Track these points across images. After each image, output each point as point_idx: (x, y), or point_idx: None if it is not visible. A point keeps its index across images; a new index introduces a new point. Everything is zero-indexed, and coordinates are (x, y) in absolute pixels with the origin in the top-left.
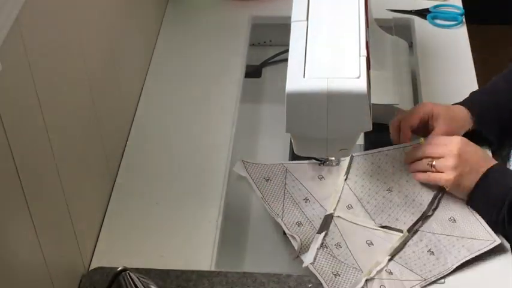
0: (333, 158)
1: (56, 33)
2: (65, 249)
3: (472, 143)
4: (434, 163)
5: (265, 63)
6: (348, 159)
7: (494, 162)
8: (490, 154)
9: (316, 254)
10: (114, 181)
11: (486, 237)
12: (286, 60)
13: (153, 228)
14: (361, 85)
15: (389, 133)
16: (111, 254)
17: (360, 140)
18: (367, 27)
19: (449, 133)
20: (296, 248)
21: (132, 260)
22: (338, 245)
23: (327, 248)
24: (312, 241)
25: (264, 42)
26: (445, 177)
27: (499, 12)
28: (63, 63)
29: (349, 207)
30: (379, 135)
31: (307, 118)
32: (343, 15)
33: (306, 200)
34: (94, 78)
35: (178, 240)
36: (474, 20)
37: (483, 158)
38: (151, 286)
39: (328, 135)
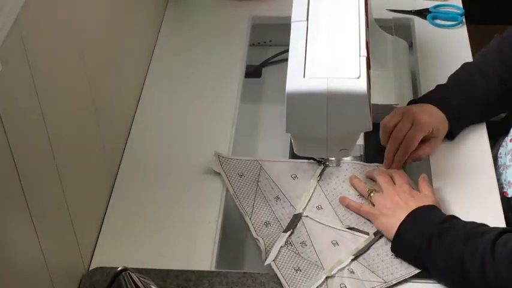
0: (333, 158)
1: (56, 33)
2: (65, 249)
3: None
4: (372, 194)
5: (265, 63)
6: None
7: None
8: None
9: (279, 251)
10: (114, 181)
11: None
12: (286, 60)
13: (153, 228)
14: (361, 85)
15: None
16: (111, 254)
17: (360, 140)
18: (367, 27)
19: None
20: (262, 250)
21: (132, 260)
22: (303, 244)
23: (291, 245)
24: (277, 240)
25: (264, 42)
26: (368, 209)
27: (499, 12)
28: (63, 63)
29: (319, 207)
30: (379, 135)
31: (307, 118)
32: (343, 15)
33: (277, 198)
34: (94, 78)
35: (178, 240)
36: (474, 20)
37: (406, 206)
38: (152, 286)
39: (328, 135)
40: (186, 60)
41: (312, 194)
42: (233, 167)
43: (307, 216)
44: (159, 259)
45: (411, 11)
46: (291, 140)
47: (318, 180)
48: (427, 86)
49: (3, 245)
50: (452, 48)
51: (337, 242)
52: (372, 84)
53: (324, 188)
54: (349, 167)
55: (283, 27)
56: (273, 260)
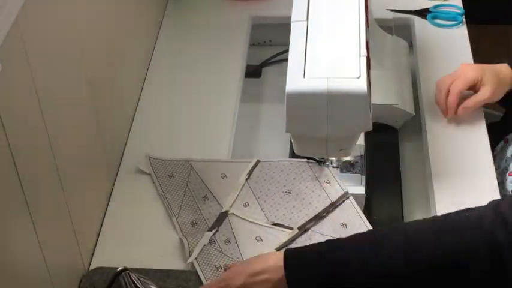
0: (333, 159)
1: (56, 33)
2: (65, 249)
3: None
4: None
5: (265, 63)
6: (253, 162)
7: None
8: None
9: (202, 249)
10: (114, 181)
11: None
12: (286, 60)
13: (153, 228)
14: (361, 85)
15: (389, 133)
16: (111, 254)
17: (360, 140)
18: (367, 27)
19: (493, 97)
20: (185, 250)
21: (132, 260)
22: (227, 241)
23: (215, 243)
24: (201, 239)
25: (264, 42)
26: None
27: (499, 12)
28: (63, 63)
29: (246, 205)
30: (379, 135)
31: (307, 118)
32: (343, 15)
33: (205, 198)
34: (94, 78)
35: (179, 240)
36: (474, 20)
37: None
38: (151, 286)
39: (328, 135)
40: (185, 60)
41: (239, 192)
42: (163, 168)
43: (233, 213)
44: (159, 259)
45: (411, 10)
46: (291, 140)
47: (247, 179)
48: (427, 86)
49: (3, 245)
50: (452, 48)
51: (261, 238)
52: (372, 84)
53: (252, 185)
54: (278, 165)
55: (283, 27)
56: (195, 258)
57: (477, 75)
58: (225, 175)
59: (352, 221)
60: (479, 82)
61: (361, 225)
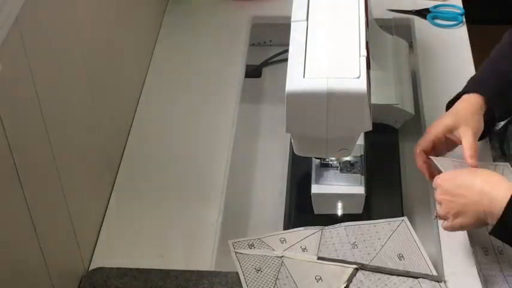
0: (333, 158)
1: (55, 33)
2: (65, 249)
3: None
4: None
5: (265, 63)
6: (351, 267)
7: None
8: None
9: None
10: (114, 181)
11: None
12: (286, 60)
13: (153, 228)
14: (361, 85)
15: (389, 133)
16: (111, 254)
17: (360, 140)
18: (367, 27)
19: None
20: None
21: (132, 260)
22: None
23: None
24: None
25: (264, 42)
26: (445, 224)
27: (499, 12)
28: (63, 63)
29: None
30: (379, 135)
31: (307, 118)
32: (343, 15)
33: None
34: (94, 78)
35: (178, 240)
36: (474, 20)
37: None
38: None
39: (328, 135)
40: (186, 60)
41: None
42: (251, 261)
43: None
44: (159, 259)
45: (411, 11)
46: (291, 140)
47: (345, 287)
48: (427, 86)
49: (3, 245)
50: (452, 48)
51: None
52: (372, 84)
53: None
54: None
55: (283, 27)
56: None
57: (442, 130)
58: (320, 278)
59: (408, 251)
60: (449, 133)
61: (417, 252)
